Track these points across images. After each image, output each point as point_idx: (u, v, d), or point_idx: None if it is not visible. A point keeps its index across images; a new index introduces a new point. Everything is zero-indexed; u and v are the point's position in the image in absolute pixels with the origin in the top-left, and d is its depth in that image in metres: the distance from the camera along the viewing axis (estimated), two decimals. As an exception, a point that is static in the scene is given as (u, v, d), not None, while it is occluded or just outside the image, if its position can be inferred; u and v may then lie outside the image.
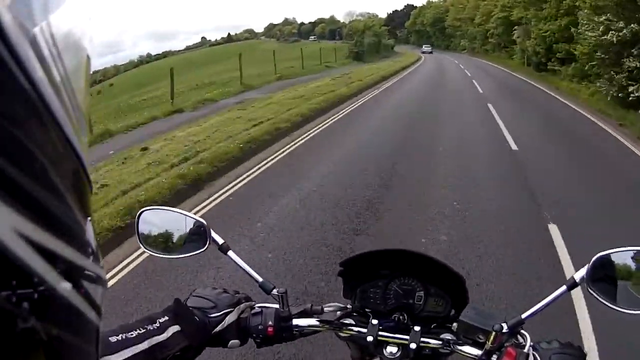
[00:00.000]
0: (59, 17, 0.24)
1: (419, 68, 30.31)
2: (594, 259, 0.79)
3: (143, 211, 0.91)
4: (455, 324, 0.86)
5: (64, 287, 0.22)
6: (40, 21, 0.21)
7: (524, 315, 0.83)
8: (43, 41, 0.21)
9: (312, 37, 72.83)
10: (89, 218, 0.27)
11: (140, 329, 0.71)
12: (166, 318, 0.75)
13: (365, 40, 36.97)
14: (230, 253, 0.90)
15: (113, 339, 0.67)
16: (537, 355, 0.77)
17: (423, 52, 50.03)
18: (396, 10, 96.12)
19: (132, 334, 0.69)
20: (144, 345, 0.69)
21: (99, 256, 0.28)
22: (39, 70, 0.20)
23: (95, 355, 0.26)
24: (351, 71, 21.61)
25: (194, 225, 0.91)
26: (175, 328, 0.74)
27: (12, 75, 0.18)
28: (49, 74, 0.21)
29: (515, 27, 26.65)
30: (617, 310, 0.78)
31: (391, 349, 0.87)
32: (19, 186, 0.18)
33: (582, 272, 0.80)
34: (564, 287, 0.82)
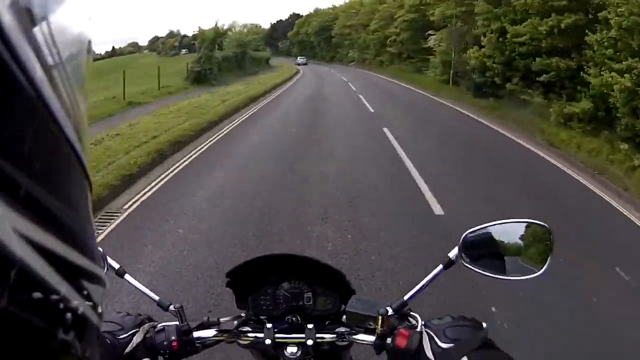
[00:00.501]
0: (59, 17, 0.24)
1: (292, 88, 21.69)
2: (463, 235, 0.86)
3: None
4: (344, 317, 0.90)
5: (64, 287, 0.22)
6: (40, 21, 0.21)
7: (405, 297, 0.88)
8: (43, 41, 0.21)
9: (183, 51, 58.99)
10: (89, 218, 0.27)
11: None
12: None
13: (215, 54, 24.95)
14: (127, 276, 0.94)
15: None
16: (430, 332, 0.80)
17: (297, 64, 48.00)
18: (280, 20, 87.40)
19: None
20: None
21: (99, 256, 0.28)
22: (39, 70, 0.20)
23: (95, 356, 0.26)
24: (155, 111, 11.85)
25: None
26: None
27: (12, 75, 0.18)
28: (49, 74, 0.21)
29: (430, 31, 20.79)
30: (503, 279, 0.86)
31: (291, 349, 0.91)
32: (19, 186, 0.18)
33: (455, 250, 0.87)
34: (440, 267, 0.87)
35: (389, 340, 0.84)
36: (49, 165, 0.21)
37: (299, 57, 55.02)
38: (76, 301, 0.23)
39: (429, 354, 0.78)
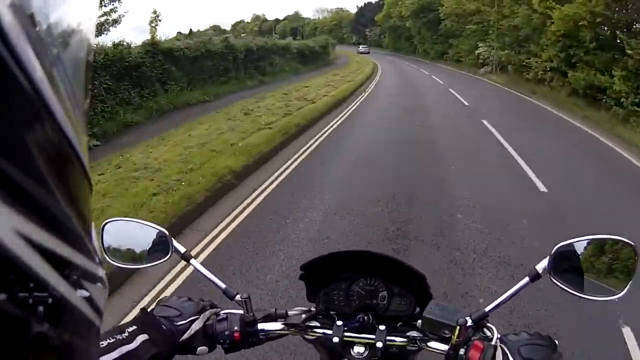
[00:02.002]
0: (59, 17, 0.24)
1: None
2: (554, 249, 0.81)
3: (106, 223, 0.91)
4: (419, 321, 0.87)
5: (64, 287, 0.22)
6: (40, 21, 0.21)
7: (487, 309, 0.84)
8: (43, 41, 0.21)
9: (275, 36, 56.30)
10: (89, 218, 0.27)
11: (110, 338, 0.71)
12: (134, 327, 0.76)
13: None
14: (193, 261, 0.92)
15: None
16: (504, 348, 0.77)
17: (360, 53, 46.45)
18: (369, 3, 69.57)
19: (102, 344, 0.70)
20: (114, 354, 0.69)
21: (100, 257, 0.28)
22: (39, 70, 0.20)
23: (95, 356, 0.26)
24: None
25: (156, 235, 0.92)
26: (143, 337, 0.75)
27: (12, 75, 0.18)
28: (49, 74, 0.21)
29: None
30: (583, 298, 0.80)
31: (358, 349, 0.87)
32: (19, 186, 0.18)
33: (544, 262, 0.81)
34: (526, 279, 0.83)
35: (461, 351, 0.81)
36: (49, 165, 0.21)
37: (360, 46, 52.22)
38: (76, 301, 0.23)
39: None
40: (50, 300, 0.20)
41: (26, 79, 0.19)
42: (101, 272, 0.28)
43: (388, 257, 0.93)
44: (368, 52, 47.07)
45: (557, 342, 0.77)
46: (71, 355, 0.23)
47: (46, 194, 0.20)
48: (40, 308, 0.19)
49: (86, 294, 0.25)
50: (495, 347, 0.78)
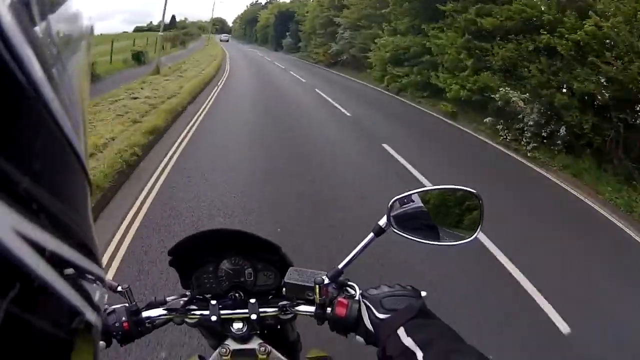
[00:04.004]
0: (59, 17, 0.24)
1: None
2: (390, 202, 0.86)
3: None
4: (284, 289, 0.92)
5: (64, 287, 0.22)
6: (40, 21, 0.21)
7: (340, 266, 0.89)
8: (43, 41, 0.21)
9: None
10: (89, 218, 0.27)
11: None
12: None
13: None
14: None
15: None
16: (367, 303, 0.81)
17: (221, 40, 59.58)
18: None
19: None
20: None
21: (99, 256, 0.28)
22: (39, 70, 0.20)
23: (95, 356, 0.26)
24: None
25: None
26: None
27: (12, 75, 0.18)
28: (49, 74, 0.21)
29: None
30: (424, 243, 0.87)
31: (237, 325, 0.92)
32: (19, 186, 0.18)
33: (384, 218, 0.86)
34: (371, 235, 0.87)
35: (329, 310, 0.86)
36: (49, 165, 0.21)
37: (222, 35, 68.21)
38: (76, 301, 0.23)
39: (368, 324, 0.80)
40: (50, 299, 0.20)
41: (26, 79, 0.19)
42: (101, 272, 0.28)
43: (243, 233, 0.98)
44: (227, 41, 63.27)
45: (422, 292, 0.81)
46: (70, 354, 0.23)
47: (46, 194, 0.20)
48: (41, 308, 0.19)
49: (86, 293, 0.25)
50: (358, 301, 0.83)
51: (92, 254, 0.26)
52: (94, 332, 0.26)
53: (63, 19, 0.24)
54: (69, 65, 0.24)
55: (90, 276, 0.26)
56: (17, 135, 0.19)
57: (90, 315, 0.25)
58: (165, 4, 17.46)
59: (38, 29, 0.21)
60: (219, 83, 15.28)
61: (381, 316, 0.78)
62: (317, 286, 0.86)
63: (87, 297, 0.25)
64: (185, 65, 19.18)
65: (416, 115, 12.07)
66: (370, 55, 18.11)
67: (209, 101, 11.27)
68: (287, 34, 42.60)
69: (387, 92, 15.87)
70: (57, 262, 0.21)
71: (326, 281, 0.88)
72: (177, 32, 43.59)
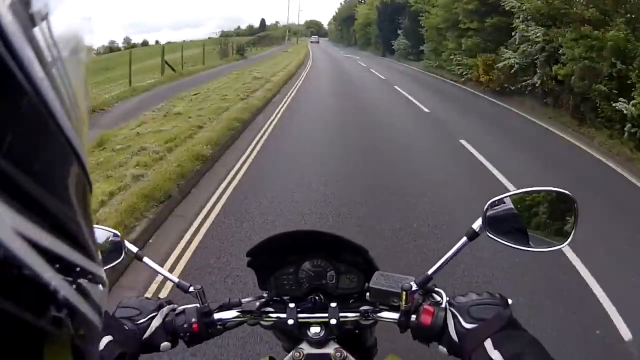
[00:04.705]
0: (59, 17, 0.24)
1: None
2: (486, 205, 0.83)
3: None
4: (368, 294, 0.88)
5: (64, 287, 0.21)
6: (40, 21, 0.21)
7: (429, 272, 0.86)
8: (43, 41, 0.21)
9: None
10: (89, 218, 0.27)
11: None
12: None
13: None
14: (146, 259, 0.95)
15: None
16: (454, 311, 0.78)
17: (311, 42, 58.69)
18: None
19: None
20: None
21: (99, 256, 0.28)
22: (39, 70, 0.20)
23: (95, 355, 0.26)
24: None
25: (107, 238, 0.93)
26: (107, 338, 0.76)
27: (12, 75, 0.18)
28: (49, 74, 0.21)
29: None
30: (526, 251, 0.83)
31: (314, 329, 0.89)
32: (19, 186, 0.18)
33: (479, 221, 0.83)
34: (464, 239, 0.84)
35: (413, 317, 0.82)
36: (49, 165, 0.21)
37: (312, 37, 68.90)
38: (77, 301, 0.23)
39: (453, 334, 0.77)
40: (50, 300, 0.20)
41: (26, 79, 0.19)
42: (101, 272, 0.28)
43: (329, 235, 0.94)
44: (317, 42, 61.99)
45: (509, 300, 0.78)
46: (71, 355, 0.23)
47: (46, 194, 0.20)
48: (41, 308, 0.19)
49: (86, 293, 0.24)
50: (445, 309, 0.80)
51: (92, 254, 0.26)
52: (95, 331, 0.26)
53: (63, 19, 0.24)
54: (69, 65, 0.24)
55: (90, 276, 0.26)
56: (18, 136, 0.19)
57: (91, 315, 0.25)
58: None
59: (38, 29, 0.21)
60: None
61: (468, 326, 0.76)
62: (404, 293, 0.82)
63: (87, 297, 0.25)
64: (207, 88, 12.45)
65: None
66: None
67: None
68: (399, 32, 29.32)
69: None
70: (57, 262, 0.21)
71: (414, 287, 0.84)
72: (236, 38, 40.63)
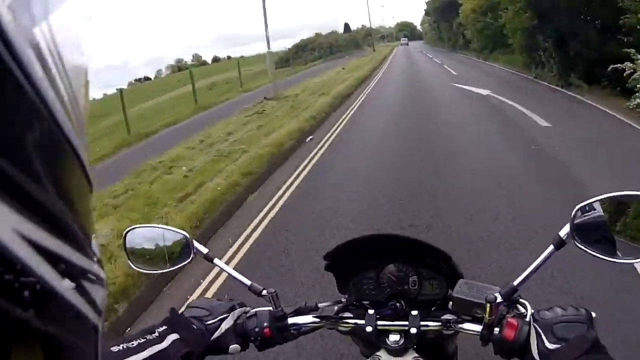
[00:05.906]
0: (59, 17, 0.24)
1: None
2: (574, 211, 0.77)
3: (128, 231, 0.93)
4: (451, 303, 0.85)
5: (64, 287, 0.21)
6: (40, 21, 0.21)
7: (515, 283, 0.81)
8: (43, 41, 0.21)
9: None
10: (90, 218, 0.27)
11: (140, 338, 0.73)
12: (164, 327, 0.77)
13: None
14: (216, 260, 0.93)
15: (115, 349, 0.69)
16: (538, 328, 0.75)
17: (401, 44, 61.50)
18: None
19: (132, 344, 0.71)
20: (145, 354, 0.71)
21: (99, 256, 0.28)
22: (39, 70, 0.20)
23: (94, 356, 0.26)
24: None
25: (178, 239, 0.93)
26: (174, 336, 0.75)
27: (12, 76, 0.18)
28: (49, 74, 0.21)
29: None
30: (612, 262, 0.77)
31: (394, 337, 0.86)
32: (19, 186, 0.18)
33: (567, 228, 0.77)
34: (551, 247, 0.80)
35: (496, 330, 0.79)
36: (49, 165, 0.21)
37: (402, 39, 70.27)
38: (77, 302, 0.23)
39: (535, 354, 0.73)
40: (50, 300, 0.20)
41: (26, 79, 0.19)
42: (101, 272, 0.28)
43: (412, 239, 0.92)
44: (407, 44, 63.74)
45: (593, 314, 0.74)
46: (71, 355, 0.22)
47: (46, 194, 0.20)
48: (41, 308, 0.19)
49: (86, 294, 0.24)
50: (529, 323, 0.76)
51: (92, 254, 0.26)
52: (95, 332, 0.26)
53: (63, 19, 0.24)
54: (69, 65, 0.24)
55: (91, 277, 0.25)
56: (17, 135, 0.19)
57: (91, 316, 0.25)
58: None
59: (38, 29, 0.21)
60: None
61: (550, 346, 0.72)
62: (488, 305, 0.78)
63: (88, 298, 0.24)
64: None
65: None
66: None
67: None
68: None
69: None
70: (57, 263, 0.21)
71: (498, 299, 0.80)
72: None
